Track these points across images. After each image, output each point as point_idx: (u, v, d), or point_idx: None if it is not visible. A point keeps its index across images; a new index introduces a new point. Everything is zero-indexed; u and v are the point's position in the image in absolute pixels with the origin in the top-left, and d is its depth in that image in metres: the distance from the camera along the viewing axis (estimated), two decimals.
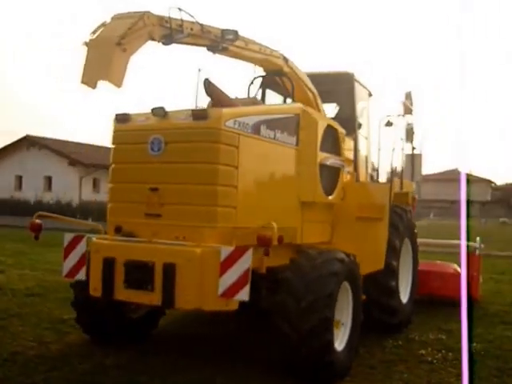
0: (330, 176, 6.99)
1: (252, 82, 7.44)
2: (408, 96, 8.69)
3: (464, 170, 10.04)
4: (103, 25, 4.83)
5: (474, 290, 9.58)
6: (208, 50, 5.61)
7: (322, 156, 6.63)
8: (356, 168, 8.21)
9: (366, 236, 7.19)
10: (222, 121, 5.18)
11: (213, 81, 5.83)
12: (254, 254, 4.88)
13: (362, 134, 8.56)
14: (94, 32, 4.78)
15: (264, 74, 7.19)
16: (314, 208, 6.66)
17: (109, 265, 5.34)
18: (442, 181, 60.76)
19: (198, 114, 5.22)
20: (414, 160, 9.05)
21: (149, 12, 4.87)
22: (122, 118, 5.68)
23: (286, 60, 6.66)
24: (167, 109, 5.40)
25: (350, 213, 7.28)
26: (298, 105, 6.53)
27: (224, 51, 5.61)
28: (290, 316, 5.33)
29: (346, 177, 7.55)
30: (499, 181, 77.78)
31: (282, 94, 8.57)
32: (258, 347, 6.60)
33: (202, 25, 5.29)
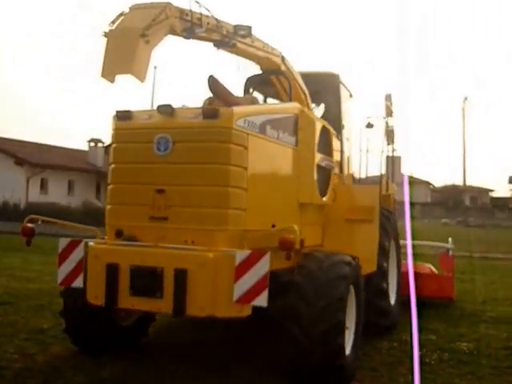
0: (324, 177, 6.93)
1: (248, 81, 7.26)
2: (388, 98, 8.73)
3: (406, 173, 10.26)
4: (121, 15, 4.53)
5: (449, 291, 9.75)
6: (214, 45, 5.41)
7: (318, 157, 6.57)
8: (341, 169, 8.20)
9: (358, 238, 7.17)
10: (233, 120, 4.99)
11: (217, 78, 5.63)
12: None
13: (344, 135, 8.55)
14: (112, 22, 4.47)
15: (260, 72, 7.02)
16: (309, 210, 6.58)
17: (112, 271, 5.03)
18: None
19: (209, 113, 5.00)
20: (394, 162, 9.10)
21: (170, 4, 4.62)
22: (123, 116, 5.35)
23: (283, 59, 6.54)
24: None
25: (339, 215, 7.24)
26: (296, 105, 6.42)
27: (233, 47, 5.41)
28: (302, 321, 5.19)
29: (335, 178, 7.52)
30: (436, 183, 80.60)
31: (264, 94, 8.45)
32: (257, 352, 6.43)
33: (217, 20, 5.08)
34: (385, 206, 8.18)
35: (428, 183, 75.57)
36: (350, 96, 9.08)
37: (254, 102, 6.38)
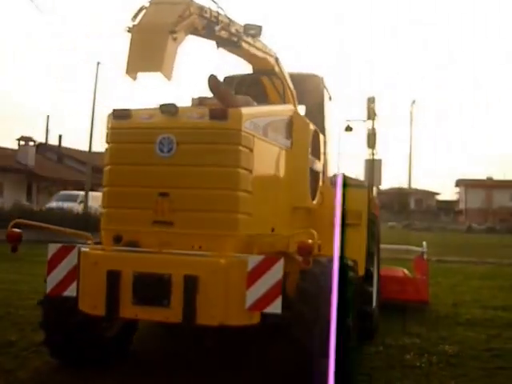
0: (314, 180, 6.86)
1: (242, 81, 7.08)
2: (371, 100, 8.77)
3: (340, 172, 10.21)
4: (142, 9, 4.26)
5: (424, 294, 9.87)
6: (217, 44, 5.22)
7: (310, 160, 6.49)
8: (324, 172, 8.15)
9: (346, 242, 7.11)
10: (242, 121, 4.84)
11: (218, 77, 5.43)
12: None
13: (327, 137, 8.52)
14: (134, 17, 4.20)
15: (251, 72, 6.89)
16: (300, 213, 6.49)
17: (114, 279, 4.75)
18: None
19: (217, 114, 4.81)
20: (374, 165, 9.15)
21: (192, 0, 4.39)
22: (121, 114, 5.06)
23: (277, 60, 6.42)
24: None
25: (326, 218, 7.17)
26: (290, 107, 6.33)
27: (238, 47, 5.24)
28: (310, 327, 5.08)
29: (321, 181, 7.46)
30: (382, 185, 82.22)
31: (248, 95, 8.29)
32: (252, 357, 6.28)
33: (229, 18, 4.89)
34: (371, 209, 8.20)
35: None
36: (330, 98, 9.06)
37: (249, 103, 6.22)
